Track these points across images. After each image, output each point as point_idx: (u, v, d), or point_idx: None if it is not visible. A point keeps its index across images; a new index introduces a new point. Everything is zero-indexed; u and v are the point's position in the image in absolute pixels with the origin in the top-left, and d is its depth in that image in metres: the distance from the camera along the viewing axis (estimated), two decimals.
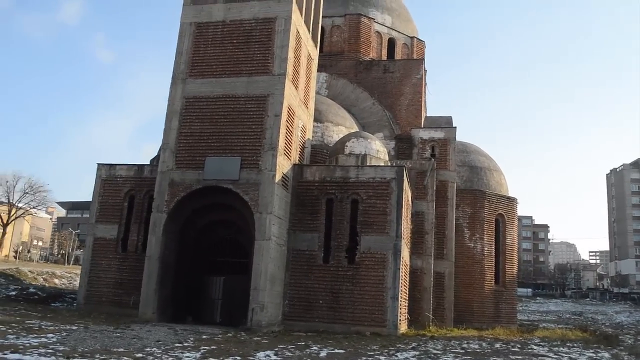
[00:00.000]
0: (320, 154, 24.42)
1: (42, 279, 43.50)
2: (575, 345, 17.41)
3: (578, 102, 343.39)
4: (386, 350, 13.90)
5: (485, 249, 29.30)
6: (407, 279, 22.94)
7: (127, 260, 21.70)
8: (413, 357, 12.86)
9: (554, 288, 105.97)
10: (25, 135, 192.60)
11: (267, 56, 19.63)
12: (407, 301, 22.72)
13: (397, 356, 12.91)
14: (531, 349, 15.78)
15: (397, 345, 15.18)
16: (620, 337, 23.39)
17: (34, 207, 77.03)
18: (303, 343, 14.71)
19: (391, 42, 32.38)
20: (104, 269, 21.96)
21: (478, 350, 14.94)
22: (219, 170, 19.11)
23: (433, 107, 53.35)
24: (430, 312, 24.02)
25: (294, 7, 20.10)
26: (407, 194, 21.71)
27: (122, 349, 11.23)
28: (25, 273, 39.35)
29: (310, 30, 22.83)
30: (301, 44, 21.10)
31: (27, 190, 74.35)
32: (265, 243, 18.22)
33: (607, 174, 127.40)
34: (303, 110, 21.66)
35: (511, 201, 31.14)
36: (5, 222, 71.79)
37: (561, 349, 16.09)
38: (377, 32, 31.71)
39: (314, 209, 20.19)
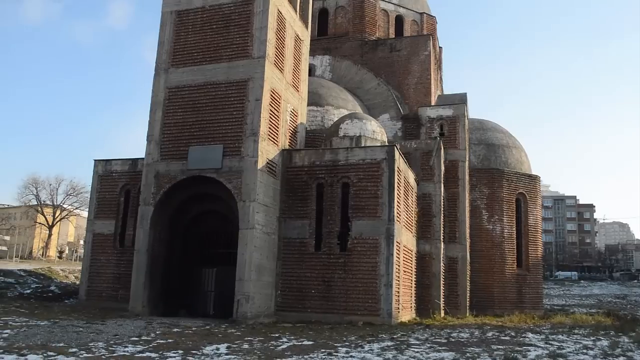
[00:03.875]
0: (320, 138, 23.65)
1: (73, 277, 44.46)
2: (580, 332, 16.04)
3: (618, 73, 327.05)
4: (359, 341, 13.07)
5: (505, 230, 27.87)
6: (412, 265, 21.94)
7: (124, 255, 21.52)
8: (379, 348, 11.97)
9: (602, 270, 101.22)
10: (72, 138, 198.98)
11: (247, 39, 18.95)
12: (412, 289, 21.74)
13: (363, 347, 12.05)
14: (524, 337, 14.57)
15: (380, 336, 14.31)
16: None
17: (77, 208, 79.47)
18: (277, 335, 14.04)
19: (399, 20, 31.09)
20: (103, 264, 21.94)
21: (462, 340, 13.88)
22: (202, 159, 18.62)
23: (457, 86, 51.64)
24: (440, 299, 22.89)
25: None
26: (406, 174, 20.65)
27: (61, 344, 10.85)
28: (56, 272, 40.21)
29: (298, 10, 21.96)
30: (285, 24, 20.29)
31: (69, 192, 76.68)
32: (249, 232, 17.62)
33: None
34: (292, 94, 20.87)
35: (533, 179, 29.48)
36: (50, 223, 74.34)
37: (559, 336, 14.82)
38: (383, 10, 30.50)
39: (304, 195, 19.44)
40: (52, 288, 29.59)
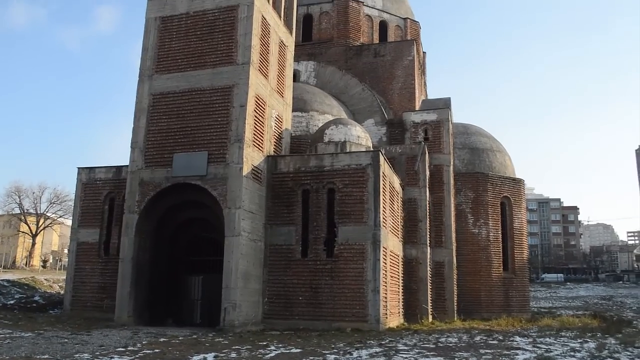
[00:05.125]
0: (305, 144, 23.60)
1: (57, 287, 43.92)
2: (567, 334, 16.14)
3: (601, 74, 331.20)
4: (348, 348, 13.03)
5: (491, 234, 28.03)
6: (399, 270, 21.93)
7: (109, 264, 21.23)
8: (367, 355, 11.93)
9: (587, 272, 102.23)
10: (55, 145, 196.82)
11: (231, 45, 18.87)
12: (399, 294, 21.73)
13: (351, 354, 12.01)
14: (512, 340, 14.62)
15: (368, 342, 14.28)
16: (634, 322, 21.91)
17: (61, 217, 78.50)
18: (264, 343, 13.94)
19: (383, 25, 31.19)
20: (87, 273, 21.63)
21: (451, 345, 13.90)
22: (187, 166, 18.48)
23: (441, 90, 51.93)
24: (427, 303, 22.89)
25: None
26: (391, 179, 20.67)
27: (46, 356, 10.69)
28: (40, 281, 39.54)
29: (282, 16, 21.95)
30: (269, 30, 20.25)
31: (53, 200, 75.71)
32: (234, 239, 17.50)
33: (636, 150, 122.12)
34: (277, 100, 20.82)
35: (517, 183, 29.69)
36: (33, 232, 73.35)
37: (547, 339, 14.90)
38: (367, 15, 30.59)
39: (290, 201, 19.36)
40: (36, 298, 29.22)
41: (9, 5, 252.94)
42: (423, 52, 34.55)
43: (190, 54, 19.34)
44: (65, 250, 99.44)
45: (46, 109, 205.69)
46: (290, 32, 22.87)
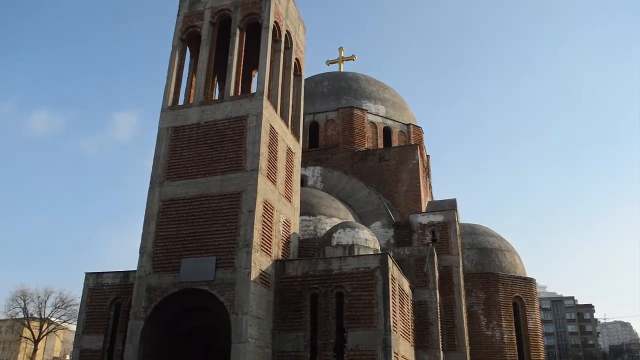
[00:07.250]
0: (313, 247, 23.71)
1: None
2: None
3: (608, 166, 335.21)
4: None
5: (505, 336, 27.31)
6: None
7: None
8: None
9: None
10: (65, 249, 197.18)
11: (240, 153, 19.56)
12: None
13: None
14: None
15: None
16: None
17: (65, 322, 77.25)
18: None
19: (387, 131, 32.34)
20: None
21: None
22: (194, 271, 18.51)
23: (446, 191, 52.69)
24: None
25: (265, 103, 20.26)
26: (400, 282, 20.54)
27: None
28: None
29: (290, 125, 22.89)
30: (277, 138, 21.06)
31: (58, 305, 74.85)
32: (241, 346, 17.16)
33: None
34: (284, 205, 21.23)
35: (529, 282, 29.34)
36: (36, 338, 71.87)
37: None
38: (371, 122, 31.80)
39: (298, 306, 19.17)
40: None
41: (31, 114, 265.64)
42: (427, 155, 35.50)
43: (200, 162, 19.99)
44: (67, 357, 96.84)
45: (58, 214, 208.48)
46: (298, 140, 23.73)
